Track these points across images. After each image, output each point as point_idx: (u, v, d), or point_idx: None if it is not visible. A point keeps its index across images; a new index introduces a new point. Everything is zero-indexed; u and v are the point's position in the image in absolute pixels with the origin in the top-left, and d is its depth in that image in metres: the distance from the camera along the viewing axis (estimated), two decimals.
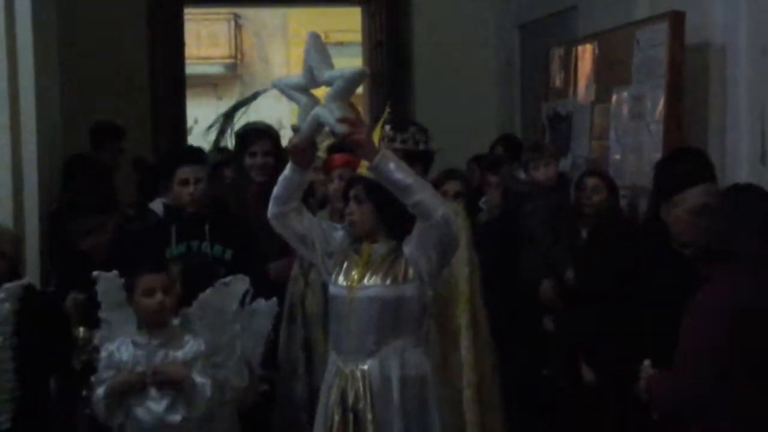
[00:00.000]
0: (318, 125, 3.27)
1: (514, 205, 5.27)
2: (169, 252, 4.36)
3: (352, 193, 3.53)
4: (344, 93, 3.20)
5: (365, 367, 3.44)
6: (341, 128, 3.18)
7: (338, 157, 4.62)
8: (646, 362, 3.40)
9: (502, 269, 4.99)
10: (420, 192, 3.26)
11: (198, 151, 4.86)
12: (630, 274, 3.95)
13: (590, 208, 5.02)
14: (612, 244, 4.43)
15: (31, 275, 5.00)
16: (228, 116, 3.63)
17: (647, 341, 3.62)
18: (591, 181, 5.08)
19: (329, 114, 3.18)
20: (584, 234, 5.04)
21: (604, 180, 5.11)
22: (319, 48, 3.23)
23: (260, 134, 5.05)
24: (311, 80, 3.24)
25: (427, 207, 3.27)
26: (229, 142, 3.67)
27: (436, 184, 5.84)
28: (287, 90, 3.31)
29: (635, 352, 3.53)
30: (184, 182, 4.42)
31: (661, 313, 3.58)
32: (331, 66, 3.24)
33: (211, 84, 19.42)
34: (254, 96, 3.61)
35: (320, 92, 3.32)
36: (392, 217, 3.47)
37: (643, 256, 3.95)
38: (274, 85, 3.41)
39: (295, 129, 3.31)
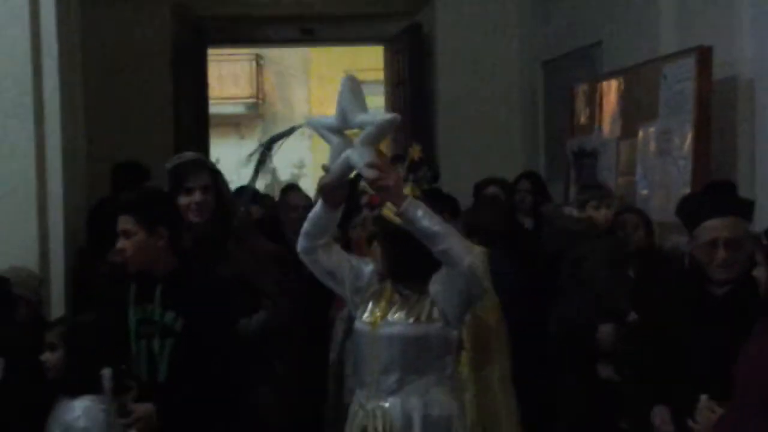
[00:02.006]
0: (348, 167, 3.27)
1: (564, 245, 5.15)
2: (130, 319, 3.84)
3: (374, 232, 3.54)
4: (374, 139, 3.22)
5: (387, 404, 3.40)
6: (370, 173, 3.18)
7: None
8: (704, 397, 3.32)
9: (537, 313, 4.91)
10: (447, 240, 3.24)
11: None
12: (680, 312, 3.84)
13: (631, 246, 4.91)
14: (665, 281, 4.31)
15: (56, 314, 5.02)
16: (266, 148, 3.60)
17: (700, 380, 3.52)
18: (630, 218, 4.99)
19: (359, 158, 3.19)
20: (630, 273, 4.89)
21: (641, 216, 5.04)
22: (354, 90, 3.25)
23: (196, 167, 4.24)
24: (343, 122, 3.26)
25: (453, 256, 3.25)
26: (268, 178, 3.66)
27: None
28: (320, 129, 3.33)
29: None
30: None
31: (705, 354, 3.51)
32: (364, 109, 3.25)
33: (233, 124, 19.55)
34: (291, 130, 3.61)
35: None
36: (407, 260, 3.45)
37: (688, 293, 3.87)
38: (308, 123, 3.42)
39: (326, 169, 3.31)
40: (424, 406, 3.40)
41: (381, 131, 3.22)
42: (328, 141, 3.31)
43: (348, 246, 4.76)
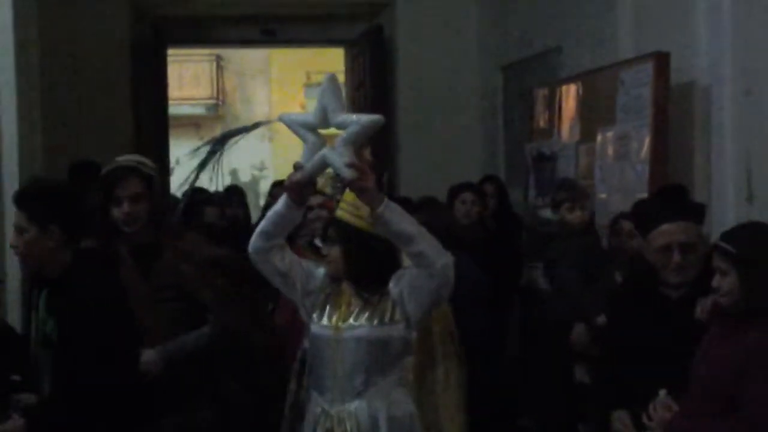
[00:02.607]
0: (323, 165, 3.26)
1: (539, 246, 5.17)
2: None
3: (331, 234, 3.51)
4: (358, 139, 3.19)
5: (352, 408, 3.39)
6: (349, 173, 3.16)
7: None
8: (663, 392, 3.34)
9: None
10: (422, 242, 3.24)
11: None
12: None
13: (626, 253, 4.85)
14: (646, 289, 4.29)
15: (12, 317, 4.97)
16: (218, 143, 3.44)
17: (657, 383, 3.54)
18: (627, 225, 4.90)
19: (339, 157, 3.16)
20: (618, 278, 4.81)
21: None
22: (334, 90, 3.23)
23: (125, 174, 3.93)
24: (323, 121, 3.22)
25: (428, 257, 3.25)
26: (217, 177, 3.49)
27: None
28: (295, 126, 3.28)
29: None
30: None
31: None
32: (344, 109, 3.24)
33: (193, 124, 19.44)
34: (255, 126, 3.53)
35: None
36: (362, 259, 3.45)
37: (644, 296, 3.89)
38: (282, 119, 3.35)
39: (298, 166, 3.28)
40: (389, 406, 3.40)
41: (365, 131, 3.19)
42: (303, 138, 3.26)
43: None
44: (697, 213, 3.77)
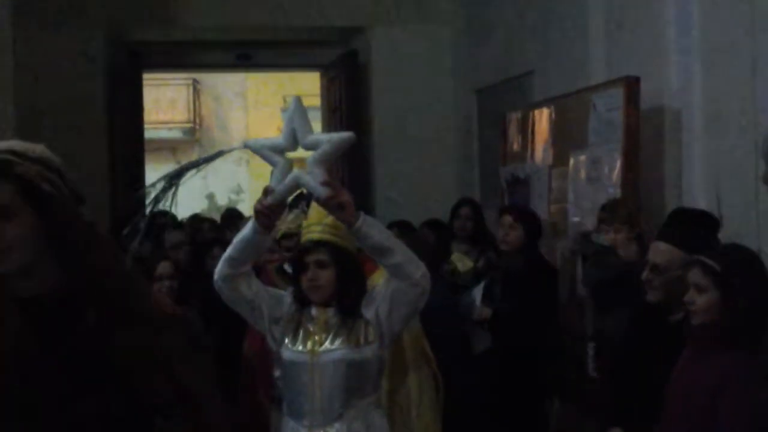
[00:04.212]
0: (294, 187, 3.26)
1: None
2: None
3: (312, 258, 3.49)
4: (329, 157, 3.18)
5: (333, 431, 3.40)
6: (325, 192, 3.16)
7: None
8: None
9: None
10: (400, 253, 3.27)
11: None
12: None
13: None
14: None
15: None
16: (174, 176, 3.33)
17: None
18: None
19: (312, 177, 3.16)
20: None
21: None
22: (302, 112, 3.23)
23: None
24: (293, 143, 3.21)
25: (407, 268, 3.28)
26: (170, 205, 3.37)
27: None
28: (262, 151, 3.25)
29: None
30: None
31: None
32: (312, 130, 3.23)
33: (170, 148, 19.39)
34: (217, 155, 3.49)
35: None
36: (353, 280, 3.48)
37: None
38: (247, 146, 3.33)
39: (269, 190, 3.27)
40: (367, 428, 3.43)
41: (337, 150, 3.18)
42: (271, 162, 3.23)
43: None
44: (692, 243, 3.54)
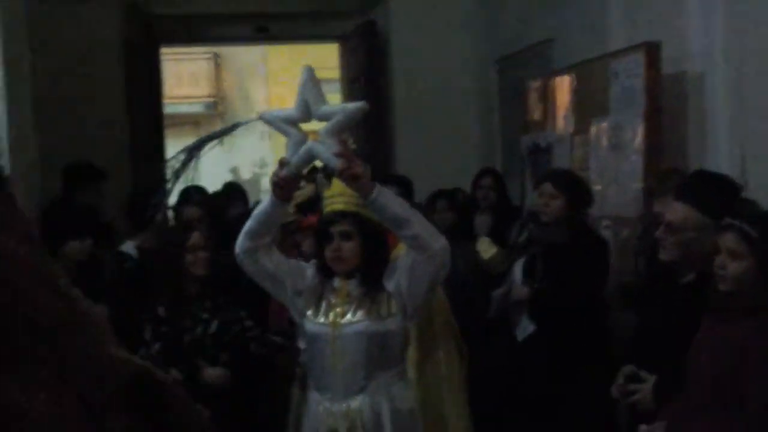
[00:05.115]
0: (309, 158, 3.23)
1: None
2: None
3: (337, 229, 3.45)
4: (343, 127, 3.17)
5: (355, 403, 3.40)
6: (339, 163, 3.13)
7: (310, 220, 4.58)
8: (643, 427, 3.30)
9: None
10: (417, 225, 3.24)
11: None
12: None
13: None
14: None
15: None
16: (194, 148, 3.34)
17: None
18: None
19: (326, 148, 3.13)
20: None
21: None
22: (314, 82, 3.20)
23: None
24: (306, 114, 3.19)
25: (425, 239, 3.24)
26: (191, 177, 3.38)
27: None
28: (276, 122, 3.24)
29: None
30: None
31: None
32: (325, 101, 3.21)
33: (193, 123, 19.43)
34: (233, 127, 3.47)
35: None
36: (377, 251, 3.45)
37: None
38: (262, 117, 3.32)
39: (284, 162, 3.25)
40: (391, 400, 3.41)
41: (350, 120, 3.17)
42: (285, 134, 3.24)
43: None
44: (710, 206, 3.51)
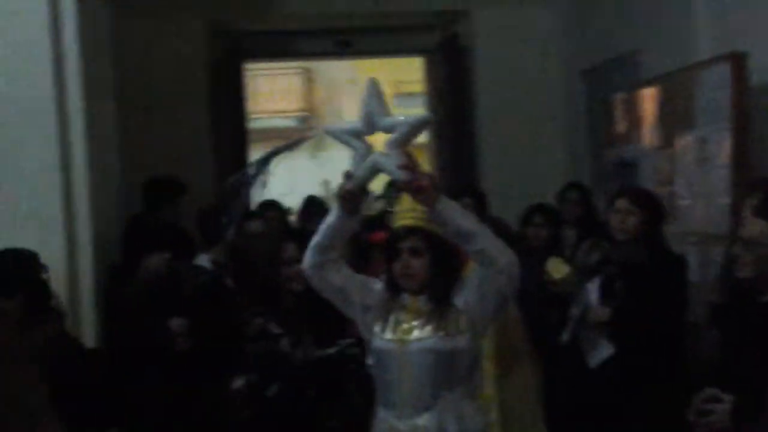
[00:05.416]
0: (374, 171, 3.21)
1: None
2: None
3: (405, 245, 3.41)
4: (407, 139, 3.16)
5: (422, 421, 3.34)
6: (404, 175, 3.11)
7: (379, 236, 4.55)
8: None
9: None
10: (483, 239, 3.18)
11: None
12: None
13: None
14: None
15: (88, 334, 5.01)
16: (263, 163, 3.40)
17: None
18: None
19: (390, 161, 3.12)
20: None
21: None
22: (378, 94, 3.20)
23: None
24: (369, 126, 3.20)
25: (491, 254, 3.19)
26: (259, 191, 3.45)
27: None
28: (342, 136, 3.27)
29: None
30: None
31: None
32: (389, 113, 3.20)
33: (284, 137, 19.62)
34: (297, 142, 3.49)
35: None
36: (447, 267, 3.39)
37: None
38: (327, 131, 3.34)
39: (349, 175, 3.23)
40: (459, 420, 3.35)
41: (414, 131, 3.16)
42: (350, 147, 3.24)
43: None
44: None
